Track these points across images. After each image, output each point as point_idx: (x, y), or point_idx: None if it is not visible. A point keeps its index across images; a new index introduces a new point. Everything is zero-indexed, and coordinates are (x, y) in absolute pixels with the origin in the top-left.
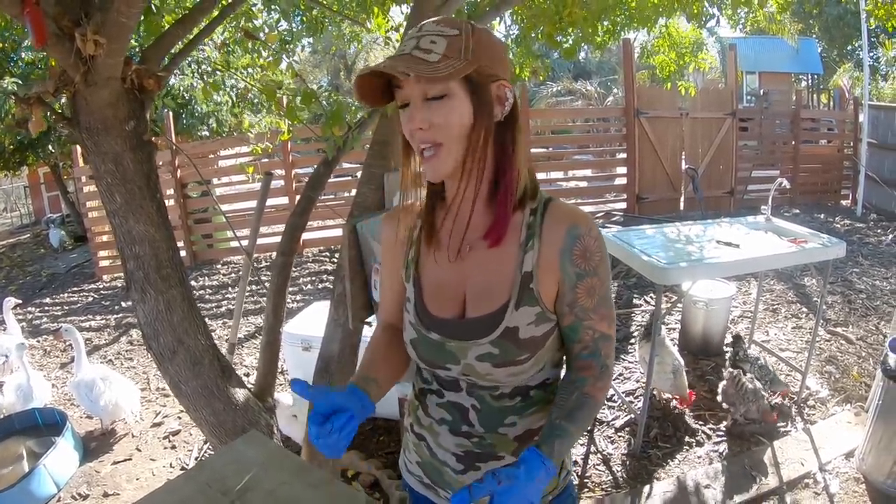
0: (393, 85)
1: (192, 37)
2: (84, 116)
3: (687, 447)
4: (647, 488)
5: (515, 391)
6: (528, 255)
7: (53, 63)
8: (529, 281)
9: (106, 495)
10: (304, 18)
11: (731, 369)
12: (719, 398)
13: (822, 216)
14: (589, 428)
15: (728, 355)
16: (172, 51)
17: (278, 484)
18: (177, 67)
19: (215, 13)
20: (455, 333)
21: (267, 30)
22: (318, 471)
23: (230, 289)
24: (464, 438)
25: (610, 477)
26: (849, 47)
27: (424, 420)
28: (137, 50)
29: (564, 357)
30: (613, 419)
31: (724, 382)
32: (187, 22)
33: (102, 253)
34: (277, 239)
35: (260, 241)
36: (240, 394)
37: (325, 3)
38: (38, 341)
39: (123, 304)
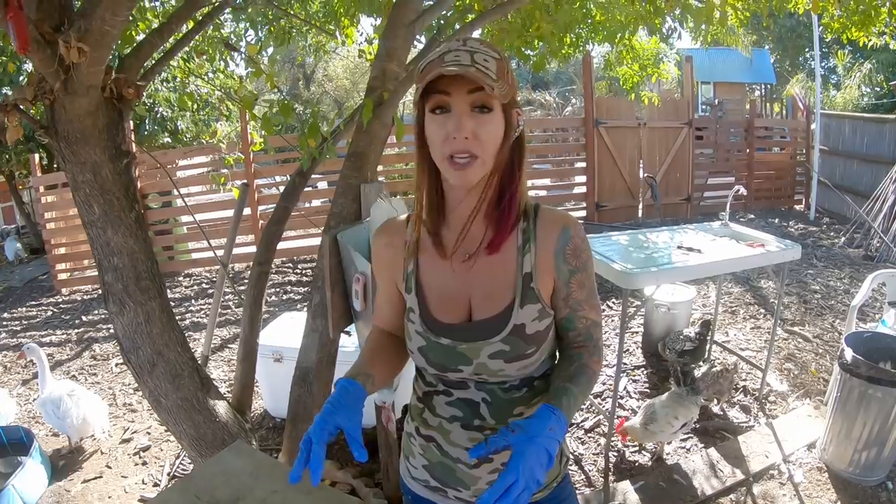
0: (432, 89)
1: (170, 46)
2: (62, 125)
3: (654, 445)
4: (618, 486)
5: (522, 382)
6: (526, 258)
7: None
8: (530, 281)
9: None
10: (272, 28)
11: (713, 361)
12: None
13: (776, 221)
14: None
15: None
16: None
17: (269, 492)
18: (155, 76)
19: (192, 24)
20: (465, 336)
21: (234, 39)
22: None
23: (193, 301)
24: (476, 432)
25: (583, 476)
26: (801, 57)
27: (433, 421)
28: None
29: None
30: (582, 421)
31: (706, 375)
32: (165, 31)
33: (60, 266)
34: (242, 250)
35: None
36: (220, 406)
37: (292, 13)
38: None
39: (84, 318)
